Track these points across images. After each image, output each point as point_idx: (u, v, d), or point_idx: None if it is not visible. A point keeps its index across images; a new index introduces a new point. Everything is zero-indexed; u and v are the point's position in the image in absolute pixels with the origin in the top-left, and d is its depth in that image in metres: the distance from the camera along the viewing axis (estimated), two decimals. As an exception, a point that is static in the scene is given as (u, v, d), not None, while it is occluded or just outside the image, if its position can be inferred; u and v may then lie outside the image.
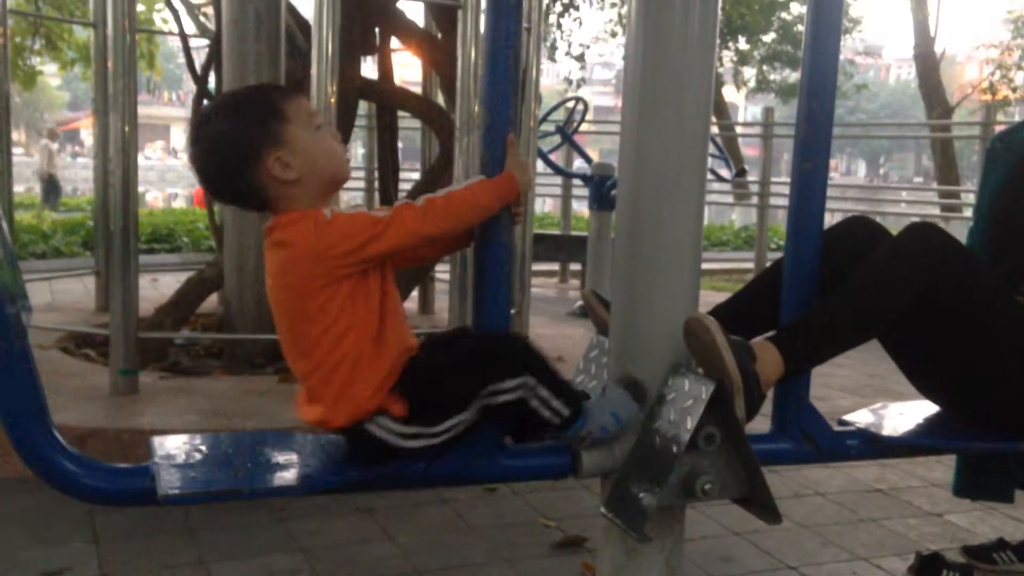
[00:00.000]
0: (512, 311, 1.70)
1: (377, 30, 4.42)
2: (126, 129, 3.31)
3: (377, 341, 1.52)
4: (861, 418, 1.90)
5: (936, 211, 9.32)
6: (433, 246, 1.62)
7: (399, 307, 1.58)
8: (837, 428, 1.83)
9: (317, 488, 1.53)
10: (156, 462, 1.52)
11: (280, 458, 1.60)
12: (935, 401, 2.02)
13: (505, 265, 1.61)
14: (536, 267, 6.29)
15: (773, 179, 8.52)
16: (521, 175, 1.58)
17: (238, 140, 1.51)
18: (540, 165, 6.47)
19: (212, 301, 4.63)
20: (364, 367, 1.51)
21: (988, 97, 16.46)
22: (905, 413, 1.99)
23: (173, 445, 1.62)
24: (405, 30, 4.44)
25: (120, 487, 1.49)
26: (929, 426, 1.94)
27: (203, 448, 1.62)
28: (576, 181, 8.01)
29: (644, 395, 1.58)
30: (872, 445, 1.83)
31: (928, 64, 15.69)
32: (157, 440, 1.62)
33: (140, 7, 8.92)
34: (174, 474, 1.49)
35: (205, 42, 4.95)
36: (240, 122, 1.53)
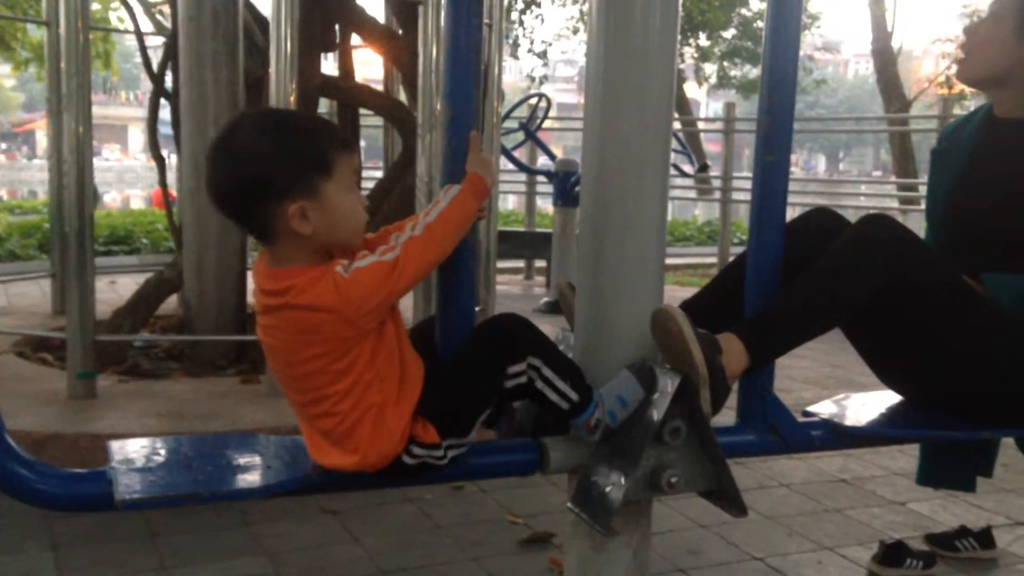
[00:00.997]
0: (477, 308, 1.69)
1: (337, 26, 4.38)
2: (80, 129, 3.25)
3: (402, 381, 1.50)
4: (824, 409, 1.91)
5: (894, 204, 9.45)
6: None
7: (405, 330, 1.56)
8: (801, 419, 1.84)
9: (278, 491, 1.51)
10: (114, 466, 1.49)
11: (241, 460, 1.57)
12: (897, 390, 2.04)
13: (469, 262, 1.59)
14: (501, 264, 6.27)
15: (735, 174, 8.58)
16: (485, 172, 1.55)
17: (269, 171, 1.41)
18: (504, 162, 6.46)
19: (172, 302, 4.57)
20: (391, 407, 1.48)
21: (944, 91, 16.68)
22: (868, 403, 2.01)
23: (132, 449, 1.58)
24: (365, 26, 4.40)
25: (76, 493, 1.46)
26: (892, 416, 1.96)
27: (163, 452, 1.59)
28: (540, 178, 8.01)
29: (654, 379, 1.55)
30: (836, 436, 1.84)
31: (886, 59, 15.87)
32: (116, 444, 1.59)
33: (95, 5, 8.78)
34: (133, 478, 1.45)
35: (161, 40, 4.88)
36: (280, 154, 1.42)
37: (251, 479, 1.51)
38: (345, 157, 1.47)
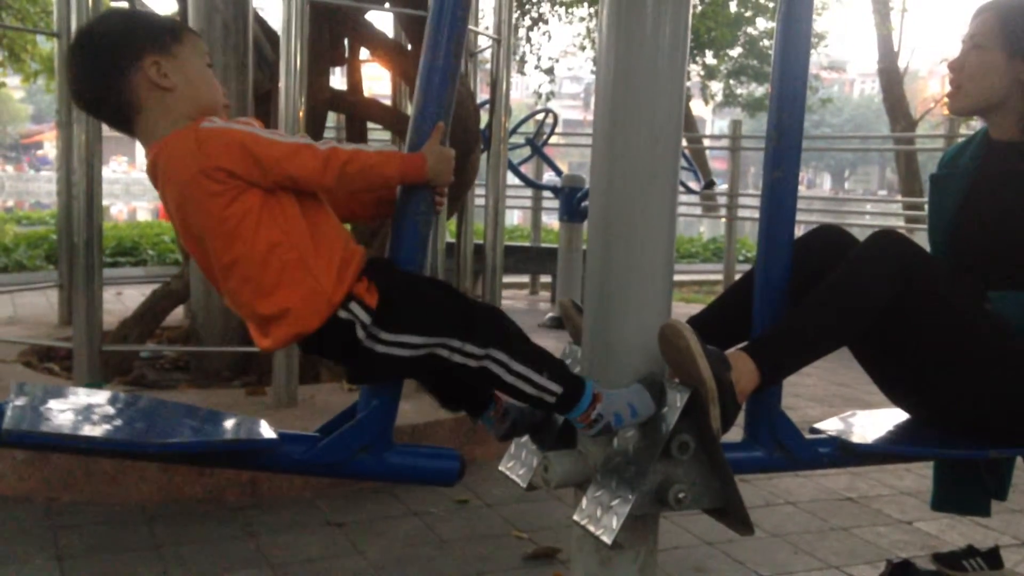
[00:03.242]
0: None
1: (346, 41, 4.40)
2: (90, 141, 3.27)
3: (315, 237, 1.47)
4: (832, 426, 1.91)
5: (900, 222, 9.45)
6: (353, 206, 1.59)
7: (336, 220, 1.53)
8: (809, 436, 1.84)
9: (169, 450, 1.47)
10: (14, 401, 1.48)
11: (181, 425, 1.55)
12: (905, 408, 2.04)
13: (419, 260, 1.58)
14: (507, 279, 6.27)
15: (741, 191, 8.59)
16: (435, 161, 1.53)
17: (122, 38, 1.49)
18: (510, 177, 6.48)
19: (178, 314, 4.57)
20: (312, 260, 1.45)
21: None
22: (875, 421, 2.00)
23: (67, 394, 1.58)
24: (374, 41, 4.42)
25: None
26: (900, 433, 1.96)
27: (105, 403, 1.58)
28: (546, 193, 8.03)
29: (664, 394, 1.55)
30: (844, 453, 1.83)
31: (892, 78, 15.92)
32: (44, 386, 1.59)
33: (105, 18, 8.82)
34: (27, 414, 1.44)
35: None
36: (130, 26, 1.53)
37: (149, 437, 1.46)
38: (191, 32, 1.55)
